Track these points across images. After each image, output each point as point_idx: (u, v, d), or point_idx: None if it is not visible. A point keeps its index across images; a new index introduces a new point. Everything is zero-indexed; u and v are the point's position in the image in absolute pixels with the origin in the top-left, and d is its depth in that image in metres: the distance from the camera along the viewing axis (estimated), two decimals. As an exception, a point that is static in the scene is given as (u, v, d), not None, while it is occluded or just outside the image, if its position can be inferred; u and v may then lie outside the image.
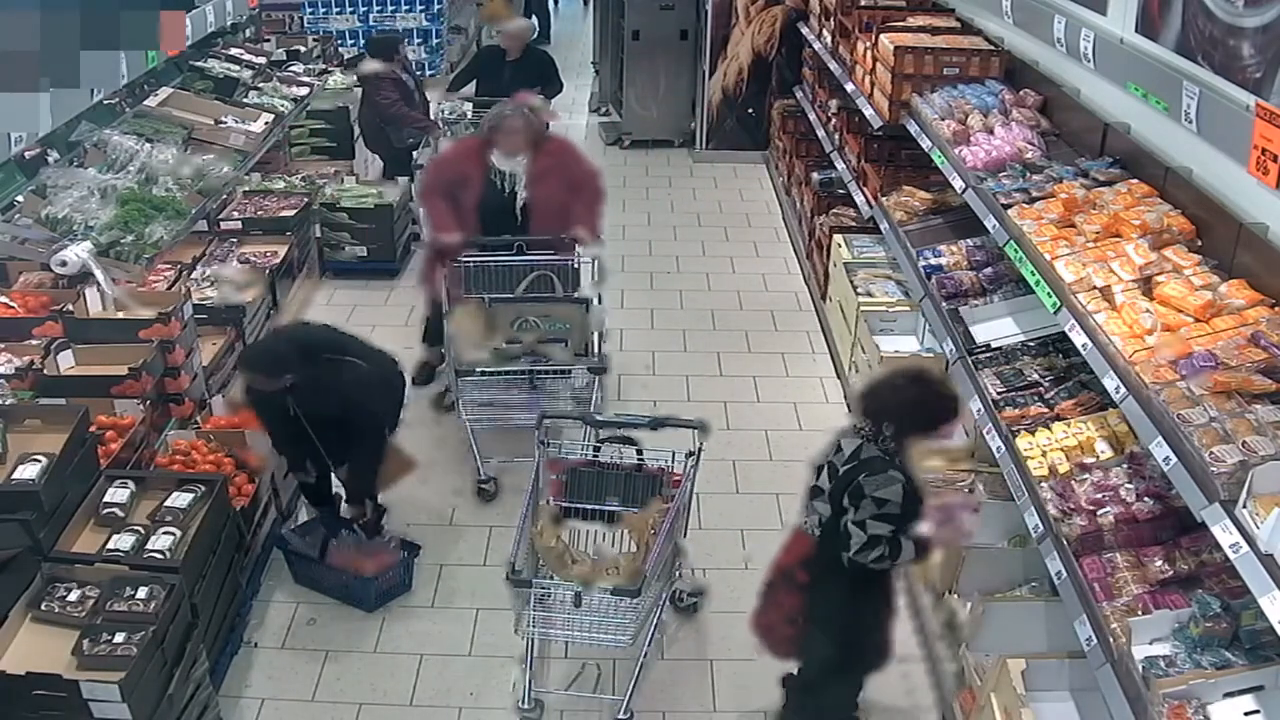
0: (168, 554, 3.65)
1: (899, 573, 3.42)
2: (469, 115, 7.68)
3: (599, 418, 4.15)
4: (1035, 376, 4.04)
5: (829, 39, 7.43)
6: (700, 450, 3.96)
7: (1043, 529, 3.38)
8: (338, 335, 4.30)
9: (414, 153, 7.60)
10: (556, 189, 5.19)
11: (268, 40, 8.62)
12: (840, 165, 6.96)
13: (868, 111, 6.01)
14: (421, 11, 11.31)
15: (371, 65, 7.42)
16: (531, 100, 7.51)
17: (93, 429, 4.05)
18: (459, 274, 4.99)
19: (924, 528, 3.20)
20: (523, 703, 3.86)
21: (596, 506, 4.07)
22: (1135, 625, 2.89)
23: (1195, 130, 3.51)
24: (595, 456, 4.10)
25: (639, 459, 4.06)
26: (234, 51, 7.60)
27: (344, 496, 4.40)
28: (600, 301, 5.10)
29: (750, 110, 9.57)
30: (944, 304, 4.64)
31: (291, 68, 7.97)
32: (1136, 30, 3.99)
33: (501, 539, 4.75)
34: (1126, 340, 3.19)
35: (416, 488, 4.99)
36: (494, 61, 8.02)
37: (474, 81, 8.21)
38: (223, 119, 6.36)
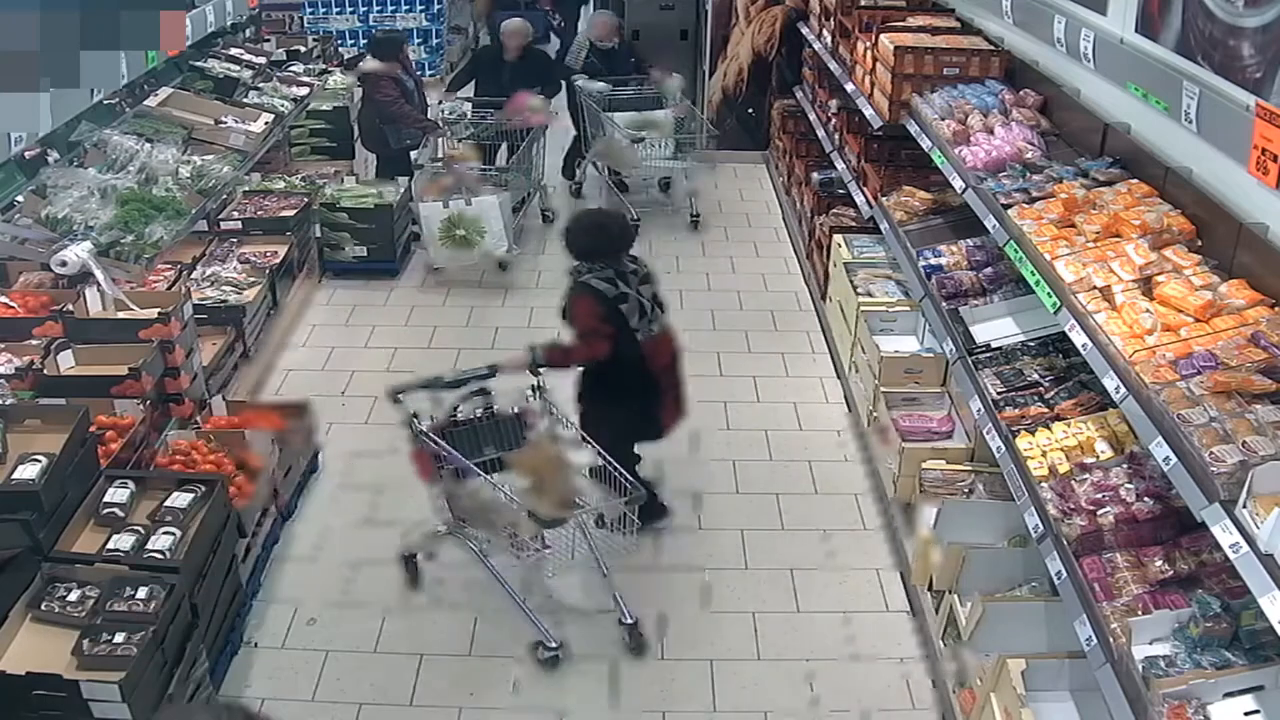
0: (168, 554, 3.65)
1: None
2: (469, 116, 7.70)
3: (445, 379, 4.37)
4: (1035, 376, 4.04)
5: (829, 39, 7.44)
6: (541, 384, 4.35)
7: (1043, 529, 3.38)
8: None
9: (411, 153, 7.61)
10: None
11: (268, 40, 8.61)
12: (840, 165, 6.96)
13: (868, 111, 6.01)
14: (421, 11, 11.31)
15: (372, 64, 7.43)
16: (532, 99, 7.53)
17: (93, 429, 4.05)
18: None
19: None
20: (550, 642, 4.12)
21: (479, 459, 4.30)
22: (1135, 625, 2.89)
23: (1195, 130, 3.51)
24: (455, 416, 4.37)
25: (492, 408, 4.38)
26: (234, 51, 7.59)
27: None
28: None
29: (750, 110, 9.57)
30: (944, 304, 4.64)
31: (291, 68, 7.96)
32: (1136, 30, 3.99)
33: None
34: (1126, 340, 3.19)
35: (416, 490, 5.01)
36: (493, 62, 8.04)
37: (473, 82, 8.25)
38: (223, 119, 6.36)
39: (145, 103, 6.27)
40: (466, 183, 7.01)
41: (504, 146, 7.78)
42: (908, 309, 5.39)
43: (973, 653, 3.66)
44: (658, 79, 8.10)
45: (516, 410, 4.39)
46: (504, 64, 7.96)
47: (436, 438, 4.22)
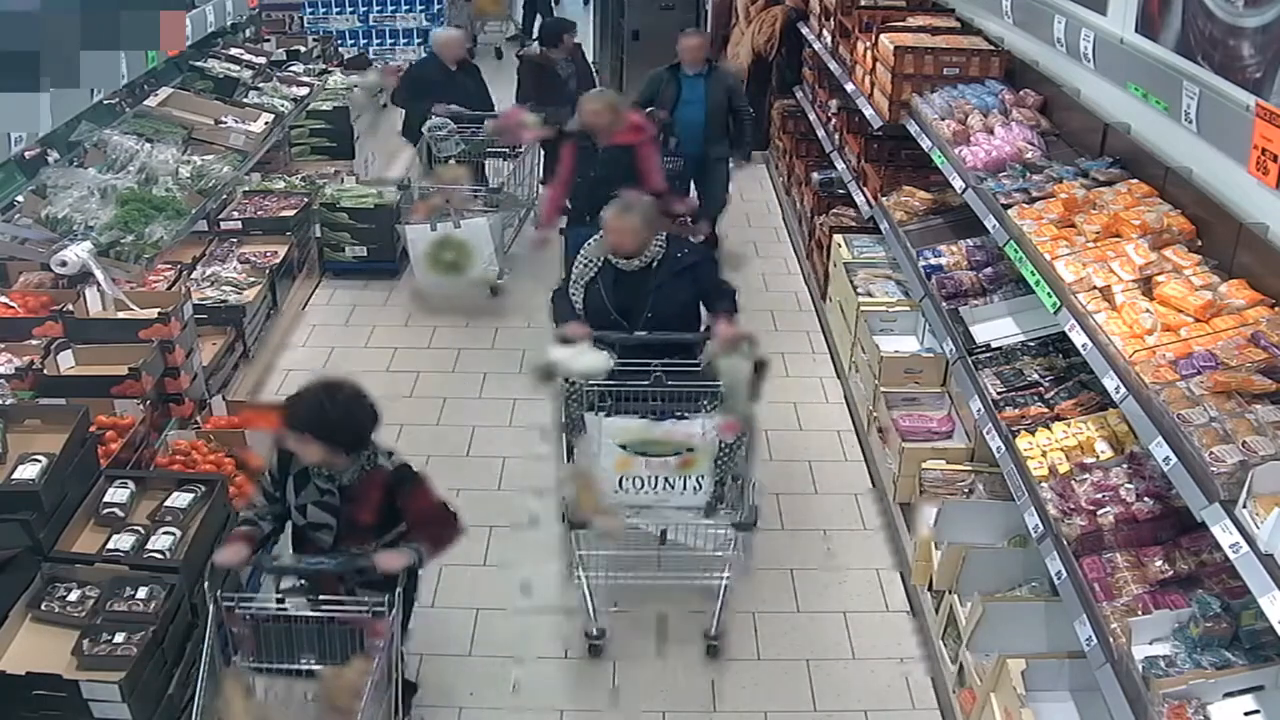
0: (168, 554, 3.65)
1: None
2: (455, 132, 7.17)
3: (275, 563, 3.46)
4: (1035, 376, 4.04)
5: (829, 39, 7.43)
6: (398, 598, 3.31)
7: (1043, 529, 3.38)
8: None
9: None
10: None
11: (268, 40, 8.63)
12: (840, 165, 6.96)
13: (868, 111, 6.01)
14: (421, 11, 11.31)
15: (533, 49, 7.27)
16: (525, 114, 7.27)
17: (93, 429, 4.05)
18: None
19: None
20: None
21: (289, 666, 3.33)
22: (1135, 625, 2.89)
23: (1195, 130, 3.51)
24: (282, 608, 3.31)
25: (332, 610, 3.27)
26: (234, 51, 7.61)
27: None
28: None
29: (750, 110, 9.54)
30: (944, 304, 4.64)
31: (291, 68, 7.98)
32: (1136, 30, 3.99)
33: (501, 539, 4.75)
34: (1126, 340, 3.19)
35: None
36: (440, 73, 7.35)
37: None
38: (223, 119, 6.37)
39: (145, 103, 6.28)
40: (455, 203, 6.69)
41: (504, 163, 7.32)
42: (908, 309, 5.39)
43: (973, 653, 3.67)
44: (719, 345, 4.05)
45: (358, 616, 3.29)
46: (453, 74, 7.29)
47: (233, 624, 3.29)
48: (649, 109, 6.59)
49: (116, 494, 3.88)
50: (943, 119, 5.10)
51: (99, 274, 4.76)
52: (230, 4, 7.02)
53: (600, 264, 4.37)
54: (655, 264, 4.33)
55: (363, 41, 10.98)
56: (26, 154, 5.16)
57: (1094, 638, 3.00)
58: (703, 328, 4.45)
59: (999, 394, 3.99)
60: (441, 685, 4.03)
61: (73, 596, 3.48)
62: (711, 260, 4.56)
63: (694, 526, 4.08)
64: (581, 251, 4.45)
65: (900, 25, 6.13)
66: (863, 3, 6.91)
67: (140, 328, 4.61)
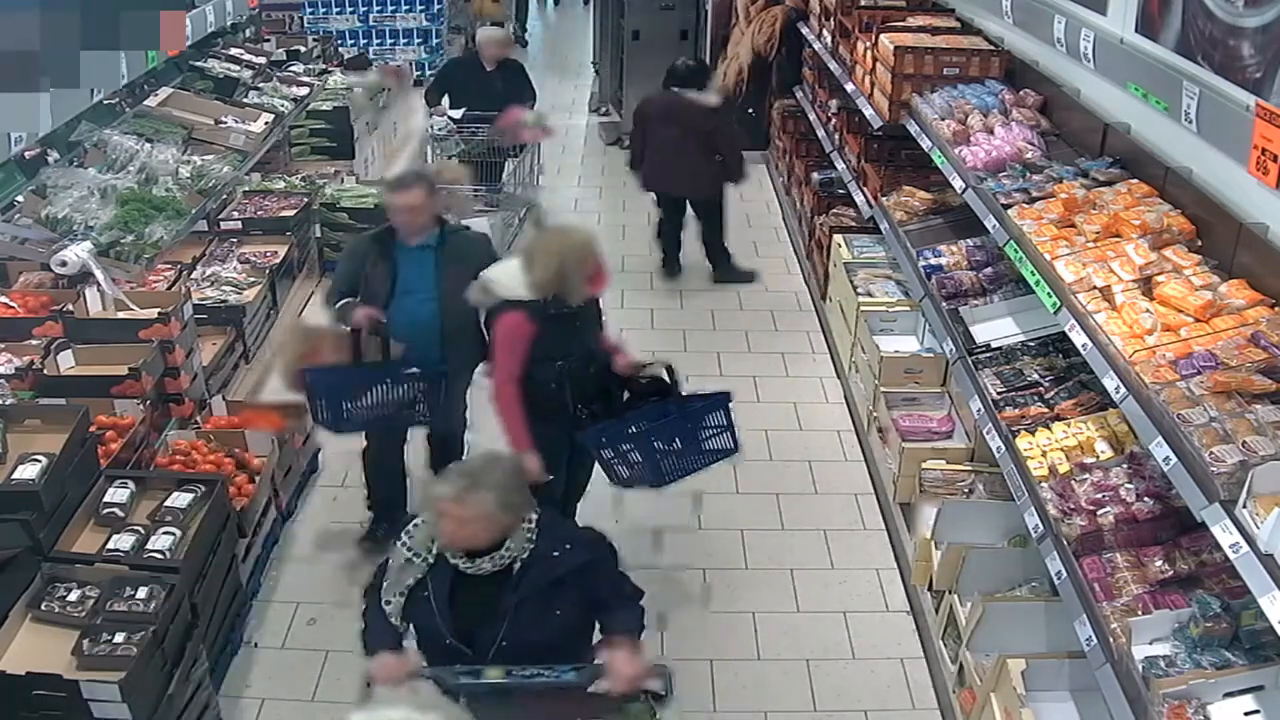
0: (168, 554, 3.65)
1: None
2: (456, 132, 7.21)
3: None
4: (1035, 376, 4.04)
5: (829, 39, 7.44)
6: None
7: (1043, 529, 3.38)
8: None
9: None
10: None
11: (268, 40, 8.61)
12: (840, 165, 6.96)
13: (868, 111, 6.01)
14: (421, 11, 11.30)
15: (708, 97, 6.89)
16: (526, 113, 7.22)
17: (93, 429, 4.05)
18: None
19: None
20: None
21: None
22: (1135, 625, 2.89)
23: (1195, 130, 3.51)
24: None
25: None
26: (234, 51, 7.59)
27: None
28: None
29: (750, 110, 9.56)
30: (944, 304, 4.64)
31: (291, 68, 7.96)
32: (1136, 30, 3.99)
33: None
34: (1126, 340, 3.19)
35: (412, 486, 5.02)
36: (468, 72, 7.48)
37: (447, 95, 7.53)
38: (223, 119, 6.36)
39: (145, 103, 6.27)
40: (456, 204, 6.74)
41: (505, 163, 7.30)
42: (908, 309, 5.39)
43: (973, 653, 3.66)
44: (615, 693, 2.75)
45: None
46: (481, 75, 7.37)
47: None
48: (340, 301, 4.19)
49: (116, 494, 3.88)
50: (943, 119, 5.11)
51: (99, 274, 4.76)
52: (230, 4, 7.01)
53: (431, 561, 2.91)
54: (518, 566, 2.85)
55: (363, 41, 10.96)
56: (26, 154, 5.14)
57: (1094, 638, 3.00)
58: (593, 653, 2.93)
59: (999, 394, 3.99)
60: (441, 685, 4.03)
61: (73, 596, 3.48)
62: (612, 554, 3.03)
63: None
64: (402, 538, 2.96)
65: (900, 25, 6.14)
66: (863, 3, 6.92)
67: (140, 328, 4.61)
